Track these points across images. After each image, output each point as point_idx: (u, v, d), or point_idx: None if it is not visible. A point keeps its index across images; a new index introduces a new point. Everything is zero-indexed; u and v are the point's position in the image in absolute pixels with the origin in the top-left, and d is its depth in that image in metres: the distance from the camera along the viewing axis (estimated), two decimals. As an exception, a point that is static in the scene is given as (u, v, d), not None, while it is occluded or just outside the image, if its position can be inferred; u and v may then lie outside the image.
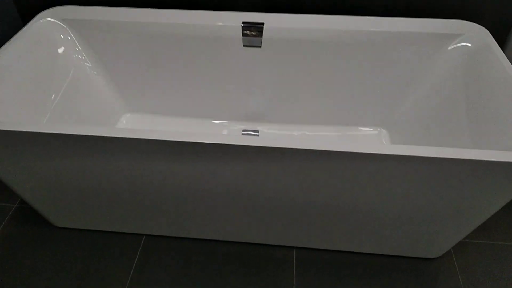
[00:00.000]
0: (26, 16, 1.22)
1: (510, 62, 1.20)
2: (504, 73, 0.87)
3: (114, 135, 0.73)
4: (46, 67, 1.03)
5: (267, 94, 1.18)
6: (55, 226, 1.05)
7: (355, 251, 0.99)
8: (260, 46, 1.08)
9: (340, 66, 1.10)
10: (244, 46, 1.08)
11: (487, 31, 1.00)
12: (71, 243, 1.01)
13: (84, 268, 0.96)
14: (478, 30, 1.00)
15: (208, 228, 0.98)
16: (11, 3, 1.20)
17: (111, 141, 0.74)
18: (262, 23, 1.05)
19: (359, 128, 1.22)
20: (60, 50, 1.08)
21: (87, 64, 1.13)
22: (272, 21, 1.05)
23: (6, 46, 0.96)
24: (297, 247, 1.00)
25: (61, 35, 1.08)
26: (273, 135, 1.22)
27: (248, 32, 1.06)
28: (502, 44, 1.24)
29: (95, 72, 1.14)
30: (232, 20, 1.06)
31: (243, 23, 1.05)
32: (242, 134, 1.22)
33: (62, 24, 1.08)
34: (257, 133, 1.22)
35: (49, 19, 1.07)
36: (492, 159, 0.68)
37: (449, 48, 1.02)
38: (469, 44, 0.99)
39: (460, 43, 1.01)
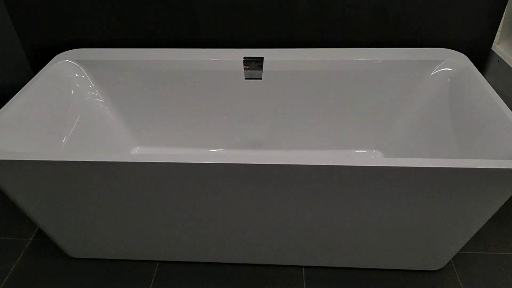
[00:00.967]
0: (33, 59, 1.31)
1: (489, 84, 1.31)
2: (483, 92, 0.96)
3: (127, 160, 0.78)
4: (62, 103, 1.11)
5: (268, 122, 1.26)
6: (70, 257, 1.08)
7: (361, 267, 1.03)
8: (260, 78, 1.17)
9: (334, 94, 1.19)
10: (246, 79, 1.17)
11: (466, 56, 1.11)
12: (86, 273, 1.04)
13: (100, 296, 0.98)
14: (457, 56, 1.11)
15: (219, 252, 1.02)
16: (20, 47, 1.29)
17: (123, 166, 0.79)
18: (262, 58, 1.15)
19: (355, 151, 1.30)
20: (75, 88, 1.16)
21: (100, 100, 1.20)
22: (271, 55, 1.15)
23: (29, 84, 1.03)
24: (305, 266, 1.04)
25: (76, 74, 1.16)
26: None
27: (249, 66, 1.15)
28: (481, 70, 1.36)
29: (107, 108, 1.22)
30: (234, 56, 1.16)
31: (244, 58, 1.15)
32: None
33: (76, 65, 1.17)
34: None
35: (65, 60, 1.15)
36: (481, 167, 0.75)
37: (432, 74, 1.13)
38: (450, 69, 1.10)
39: (442, 68, 1.11)
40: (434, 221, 0.88)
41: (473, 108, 0.99)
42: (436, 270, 1.03)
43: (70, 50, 1.18)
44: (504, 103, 0.92)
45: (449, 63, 1.11)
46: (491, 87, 0.97)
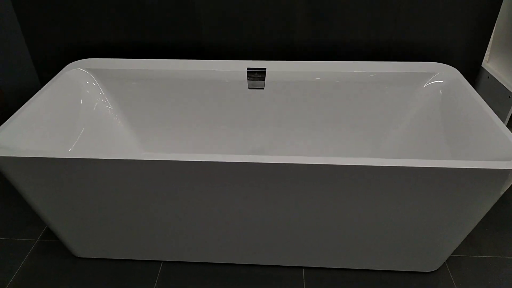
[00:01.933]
0: (41, 68, 1.38)
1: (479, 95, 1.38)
2: (473, 101, 1.03)
3: (133, 158, 0.82)
4: (73, 108, 1.16)
5: (269, 130, 1.32)
6: (77, 256, 1.11)
7: (359, 268, 1.07)
8: (263, 88, 1.23)
9: (332, 104, 1.25)
10: (249, 88, 1.23)
11: (456, 69, 1.18)
12: (92, 273, 1.07)
13: (105, 295, 1.01)
14: (448, 69, 1.18)
15: (221, 252, 1.05)
16: (27, 54, 1.36)
17: (130, 164, 0.83)
18: (265, 69, 1.21)
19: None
20: (86, 95, 1.21)
21: (109, 107, 1.26)
22: (273, 66, 1.22)
23: (42, 90, 1.09)
24: (305, 267, 1.08)
25: (87, 82, 1.22)
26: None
27: (252, 76, 1.22)
28: (472, 86, 1.43)
29: (116, 115, 1.27)
30: (238, 67, 1.22)
31: (248, 68, 1.22)
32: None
33: (87, 73, 1.23)
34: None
35: (78, 68, 1.21)
36: (471, 167, 0.80)
37: (424, 86, 1.19)
38: (441, 81, 1.17)
39: (434, 80, 1.18)
40: (428, 221, 0.92)
41: (463, 116, 1.05)
42: (431, 272, 1.06)
43: (82, 60, 1.24)
44: (492, 110, 0.98)
45: (441, 76, 1.18)
46: (480, 97, 1.03)
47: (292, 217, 0.93)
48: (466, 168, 0.80)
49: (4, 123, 0.95)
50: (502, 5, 1.28)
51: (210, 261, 1.08)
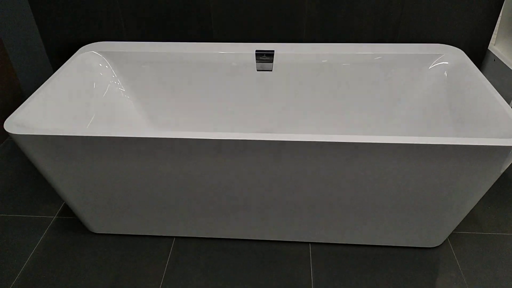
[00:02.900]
0: (53, 55, 1.41)
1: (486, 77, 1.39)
2: (478, 82, 1.05)
3: (146, 136, 0.86)
4: (88, 89, 1.20)
5: (277, 110, 1.34)
6: (93, 232, 1.16)
7: (364, 244, 1.11)
8: (271, 70, 1.26)
9: (340, 85, 1.28)
10: (257, 70, 1.26)
11: (462, 51, 1.20)
12: (107, 247, 1.12)
13: (121, 269, 1.06)
14: (454, 51, 1.20)
15: (230, 228, 1.09)
16: (41, 43, 1.39)
17: (143, 142, 0.87)
18: (273, 51, 1.24)
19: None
20: (99, 77, 1.25)
21: (121, 89, 1.29)
22: (281, 49, 1.24)
23: (57, 72, 1.12)
24: (311, 242, 1.12)
25: (100, 64, 1.25)
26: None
27: (261, 58, 1.24)
28: (478, 68, 1.44)
29: (128, 96, 1.31)
30: (247, 49, 1.25)
31: (257, 51, 1.24)
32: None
33: (100, 55, 1.26)
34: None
35: (90, 51, 1.24)
36: (473, 144, 0.83)
37: (430, 67, 1.21)
38: (447, 62, 1.18)
39: (439, 62, 1.20)
40: (430, 198, 0.95)
41: (468, 96, 1.07)
42: (433, 248, 1.10)
43: (94, 43, 1.28)
44: (495, 90, 1.00)
45: (446, 57, 1.19)
46: (485, 78, 1.05)
47: (299, 193, 0.97)
48: (467, 145, 0.83)
49: (23, 103, 0.99)
50: (509, -13, 1.29)
51: (220, 237, 1.13)
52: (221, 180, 0.95)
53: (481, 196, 0.96)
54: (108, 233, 1.15)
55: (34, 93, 1.03)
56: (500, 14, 1.36)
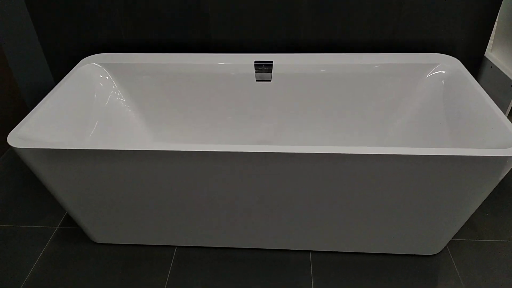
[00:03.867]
0: (54, 65, 1.43)
1: (482, 87, 1.41)
2: (473, 91, 1.06)
3: (146, 149, 0.87)
4: (89, 101, 1.21)
5: (276, 120, 1.36)
6: (95, 242, 1.17)
7: (364, 251, 1.12)
8: (270, 80, 1.27)
9: (338, 95, 1.29)
10: (256, 80, 1.28)
11: (458, 60, 1.22)
12: (110, 258, 1.13)
13: (123, 279, 1.07)
14: (450, 60, 1.21)
15: (232, 237, 1.11)
16: (42, 53, 1.41)
17: (143, 154, 0.88)
18: (271, 61, 1.25)
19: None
20: (100, 88, 1.26)
21: (122, 99, 1.31)
22: (280, 59, 1.26)
23: (59, 85, 1.14)
24: (312, 251, 1.13)
25: (101, 76, 1.27)
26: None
27: (260, 69, 1.26)
28: (475, 75, 1.46)
29: (128, 107, 1.32)
30: (245, 60, 1.26)
31: (255, 62, 1.26)
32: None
33: (101, 67, 1.27)
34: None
35: (92, 63, 1.26)
36: (470, 155, 0.84)
37: (427, 76, 1.23)
38: (443, 72, 1.20)
39: (436, 71, 1.21)
40: (429, 207, 0.97)
41: (465, 106, 1.09)
42: (432, 255, 1.11)
43: (95, 55, 1.29)
44: (492, 100, 1.01)
45: (443, 67, 1.21)
46: (481, 87, 1.07)
47: (299, 203, 0.98)
48: (465, 156, 0.84)
49: (26, 117, 1.00)
50: (504, -5, 1.30)
51: (221, 246, 1.14)
52: (221, 190, 0.97)
53: (479, 204, 0.97)
54: (111, 243, 1.16)
55: (36, 106, 1.04)
56: (496, 21, 1.37)
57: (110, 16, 1.31)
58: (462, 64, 1.19)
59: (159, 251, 1.14)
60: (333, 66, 1.25)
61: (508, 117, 1.31)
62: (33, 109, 1.03)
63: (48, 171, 0.95)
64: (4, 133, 1.49)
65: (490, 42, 1.45)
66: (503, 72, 1.32)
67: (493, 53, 1.45)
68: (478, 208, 1.25)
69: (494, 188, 1.28)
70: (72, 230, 1.21)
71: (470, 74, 1.13)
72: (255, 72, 1.26)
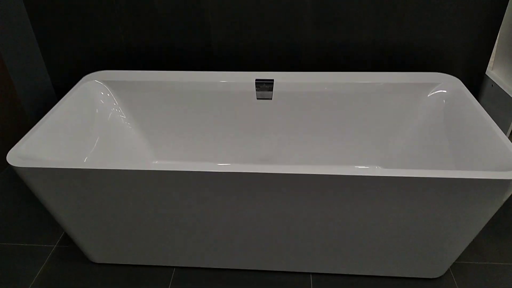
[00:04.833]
0: (55, 78, 1.44)
1: (483, 106, 1.41)
2: (474, 111, 1.06)
3: (145, 169, 0.87)
4: (89, 118, 1.21)
5: (276, 138, 1.35)
6: (92, 262, 1.15)
7: (365, 274, 1.10)
8: (271, 99, 1.27)
9: (338, 114, 1.29)
10: (257, 99, 1.28)
11: (459, 80, 1.21)
12: (108, 277, 1.11)
13: (120, 299, 1.05)
14: (451, 80, 1.21)
15: (231, 258, 1.09)
16: (44, 66, 1.42)
17: (142, 174, 0.88)
18: (272, 80, 1.25)
19: (358, 167, 1.38)
20: (101, 105, 1.27)
21: (122, 116, 1.31)
22: (281, 77, 1.26)
23: (60, 102, 1.14)
24: (312, 273, 1.11)
25: (102, 93, 1.27)
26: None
27: (261, 87, 1.26)
28: (476, 93, 1.46)
29: (129, 124, 1.32)
30: (247, 78, 1.26)
31: (256, 80, 1.26)
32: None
33: (103, 85, 1.28)
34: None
35: (93, 80, 1.26)
36: (471, 177, 0.83)
37: (428, 95, 1.22)
38: (444, 91, 1.20)
39: (437, 90, 1.21)
40: (431, 229, 0.95)
41: (466, 126, 1.08)
42: (435, 278, 1.09)
43: (97, 72, 1.30)
44: (492, 120, 1.01)
45: (444, 86, 1.21)
46: (482, 107, 1.06)
47: (300, 224, 0.97)
48: (465, 178, 0.83)
49: (26, 134, 1.00)
50: (505, 13, 1.31)
51: (221, 267, 1.12)
52: (221, 211, 0.95)
53: (482, 226, 0.95)
54: (108, 262, 1.14)
55: (37, 124, 1.04)
56: (497, 39, 1.38)
57: (112, 26, 1.33)
58: (463, 84, 1.19)
59: (157, 271, 1.12)
60: (335, 85, 1.25)
61: (509, 136, 1.30)
62: (33, 127, 1.03)
63: (47, 190, 0.94)
64: (3, 145, 1.48)
65: (491, 60, 1.46)
66: (504, 91, 1.32)
67: (494, 72, 1.45)
68: (483, 230, 1.23)
69: (500, 210, 1.27)
70: (69, 249, 1.19)
71: (471, 94, 1.13)
72: (256, 90, 1.26)
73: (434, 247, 1.00)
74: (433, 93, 1.22)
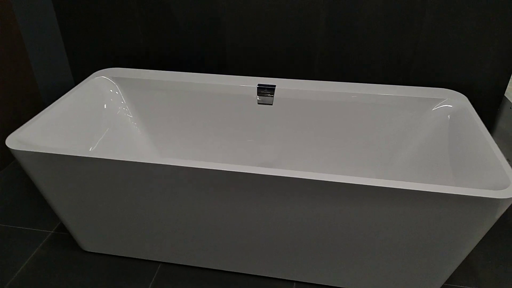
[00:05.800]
0: (76, 73, 1.51)
1: (502, 128, 1.35)
2: (476, 129, 1.02)
3: (142, 161, 0.89)
4: (96, 114, 1.26)
5: (276, 145, 1.35)
6: (84, 250, 1.18)
7: (350, 287, 1.07)
8: (271, 104, 1.28)
9: (341, 124, 1.28)
10: (258, 103, 1.29)
11: (465, 97, 1.18)
12: (95, 266, 1.13)
13: (104, 289, 1.07)
14: (457, 96, 1.18)
15: (216, 259, 1.09)
16: (66, 61, 1.49)
17: (137, 166, 0.90)
18: (274, 86, 1.26)
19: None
20: (109, 102, 1.31)
21: (129, 115, 1.35)
22: (283, 84, 1.26)
23: (68, 94, 1.19)
24: (296, 281, 1.09)
25: (110, 90, 1.32)
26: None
27: (262, 92, 1.27)
28: (493, 115, 1.41)
29: (135, 123, 1.36)
30: (250, 83, 1.28)
31: (259, 85, 1.27)
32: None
33: (112, 81, 1.33)
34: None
35: (102, 76, 1.32)
36: (460, 193, 0.80)
37: (433, 109, 1.19)
38: (450, 106, 1.16)
39: (441, 106, 1.18)
40: (421, 244, 0.92)
41: (466, 142, 1.04)
42: (424, 299, 1.04)
43: (107, 69, 1.35)
44: (493, 140, 0.97)
45: (449, 101, 1.17)
46: (484, 125, 1.03)
47: (289, 229, 0.96)
48: (454, 194, 0.80)
49: (29, 120, 1.06)
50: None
51: (205, 266, 1.12)
52: (211, 210, 0.96)
53: (473, 245, 0.91)
54: (99, 252, 1.17)
55: (41, 112, 1.09)
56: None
57: (133, 29, 1.39)
58: (468, 101, 1.15)
59: (144, 265, 1.14)
60: (338, 95, 1.24)
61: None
62: (37, 115, 1.08)
63: (41, 175, 0.98)
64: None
65: (511, 81, 1.41)
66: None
67: (512, 94, 1.40)
68: (482, 254, 1.17)
69: (502, 236, 1.21)
70: (65, 236, 1.23)
71: (475, 111, 1.09)
72: (258, 95, 1.27)
73: (424, 263, 0.96)
74: (437, 107, 1.19)
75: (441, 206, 0.83)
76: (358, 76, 1.36)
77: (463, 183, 0.99)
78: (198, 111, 1.34)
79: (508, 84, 1.37)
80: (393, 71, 1.34)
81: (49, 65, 1.54)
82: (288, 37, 1.32)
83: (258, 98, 1.28)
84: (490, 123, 1.44)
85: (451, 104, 1.17)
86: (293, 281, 1.09)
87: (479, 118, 1.06)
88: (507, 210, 1.31)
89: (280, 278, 1.09)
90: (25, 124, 1.04)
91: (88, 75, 1.52)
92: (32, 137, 1.03)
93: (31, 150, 0.93)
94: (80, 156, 0.91)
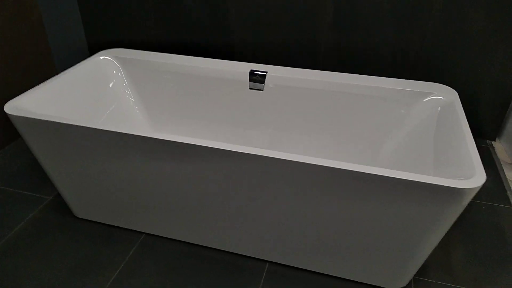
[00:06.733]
0: (92, 43, 1.60)
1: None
2: (457, 122, 1.02)
3: (130, 133, 0.94)
4: (97, 93, 1.33)
5: (267, 131, 1.38)
6: (76, 216, 1.26)
7: (323, 272, 1.08)
8: (262, 90, 1.31)
9: (332, 113, 1.29)
10: (249, 89, 1.32)
11: (455, 91, 1.16)
12: (84, 232, 1.21)
13: (85, 255, 1.13)
14: (447, 90, 1.16)
15: (196, 234, 1.13)
16: (85, 41, 1.58)
17: (121, 137, 0.95)
18: (266, 72, 1.29)
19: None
20: (111, 83, 1.38)
21: (131, 99, 1.42)
22: (275, 71, 1.29)
23: (70, 69, 1.27)
24: (269, 261, 1.12)
25: (114, 71, 1.39)
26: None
27: (254, 78, 1.30)
28: (504, 118, 1.38)
29: (136, 108, 1.43)
30: (243, 68, 1.31)
31: (251, 71, 1.30)
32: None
33: (115, 62, 1.40)
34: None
35: (106, 56, 1.39)
36: (419, 180, 0.80)
37: (421, 103, 1.18)
38: (441, 98, 1.15)
39: (430, 99, 1.17)
40: (389, 232, 0.92)
41: (448, 135, 1.03)
42: (394, 290, 1.04)
43: (112, 49, 1.42)
44: (470, 133, 0.96)
45: (439, 95, 1.16)
46: (465, 118, 1.02)
47: (267, 210, 0.98)
48: (420, 182, 0.81)
49: (29, 90, 1.14)
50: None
51: (186, 240, 1.17)
52: (195, 186, 0.99)
53: (437, 238, 0.90)
54: (88, 219, 1.24)
55: (41, 83, 1.18)
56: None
57: (147, 17, 1.46)
58: (458, 96, 1.14)
59: (128, 234, 1.20)
60: (330, 84, 1.25)
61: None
62: (38, 85, 1.16)
63: (37, 142, 1.06)
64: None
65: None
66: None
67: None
68: (464, 251, 1.15)
69: (493, 238, 1.18)
70: (61, 202, 1.31)
71: (460, 105, 1.08)
72: (249, 80, 1.31)
73: (393, 252, 0.96)
74: (426, 101, 1.18)
75: (405, 193, 0.83)
76: (363, 68, 1.37)
77: (438, 173, 0.98)
78: (194, 93, 1.39)
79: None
80: (398, 67, 1.33)
81: (62, 24, 1.58)
82: (295, 27, 1.34)
83: (249, 84, 1.31)
84: (498, 126, 1.41)
85: (440, 97, 1.16)
86: (266, 261, 1.12)
87: (463, 112, 1.05)
88: (489, 210, 1.27)
89: (254, 257, 1.12)
90: (25, 93, 1.12)
91: (102, 40, 1.59)
92: (30, 105, 1.11)
93: (26, 116, 1.01)
94: (72, 125, 0.98)
